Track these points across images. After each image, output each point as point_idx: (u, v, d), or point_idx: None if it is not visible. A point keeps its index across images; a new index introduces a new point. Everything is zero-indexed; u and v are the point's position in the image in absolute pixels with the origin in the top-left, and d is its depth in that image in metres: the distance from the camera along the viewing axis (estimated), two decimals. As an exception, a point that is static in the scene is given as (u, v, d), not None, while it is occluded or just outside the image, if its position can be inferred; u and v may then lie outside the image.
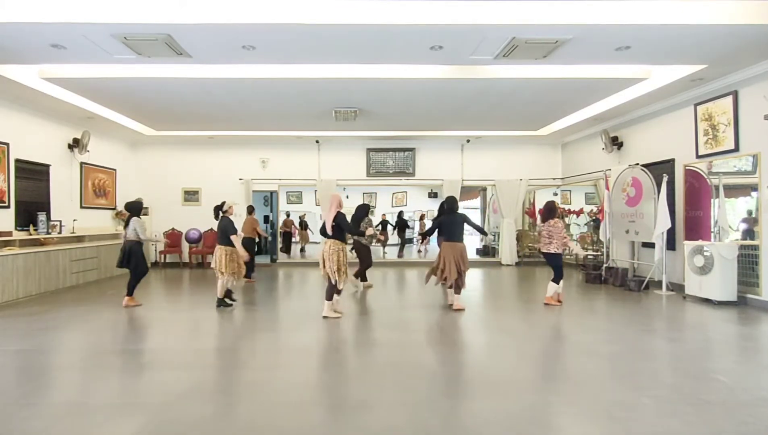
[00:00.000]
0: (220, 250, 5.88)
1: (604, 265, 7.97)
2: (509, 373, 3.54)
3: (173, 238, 10.57)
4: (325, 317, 5.20)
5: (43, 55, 5.23)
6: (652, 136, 7.73)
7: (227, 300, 5.87)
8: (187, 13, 4.35)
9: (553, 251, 5.85)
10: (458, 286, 5.65)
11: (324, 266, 5.18)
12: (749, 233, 5.99)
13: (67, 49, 5.03)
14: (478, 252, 13.12)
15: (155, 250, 10.50)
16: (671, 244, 7.01)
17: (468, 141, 10.71)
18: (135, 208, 6.15)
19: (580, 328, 4.91)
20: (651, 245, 7.13)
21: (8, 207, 6.91)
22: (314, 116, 8.35)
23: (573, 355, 3.98)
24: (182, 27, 4.50)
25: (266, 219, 14.25)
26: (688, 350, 4.06)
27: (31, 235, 7.16)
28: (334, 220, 5.16)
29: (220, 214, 6.03)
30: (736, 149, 6.01)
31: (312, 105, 7.57)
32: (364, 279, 7.31)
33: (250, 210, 8.49)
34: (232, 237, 5.80)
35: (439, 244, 6.27)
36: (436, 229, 6.10)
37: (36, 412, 2.78)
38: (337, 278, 5.11)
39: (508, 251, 10.98)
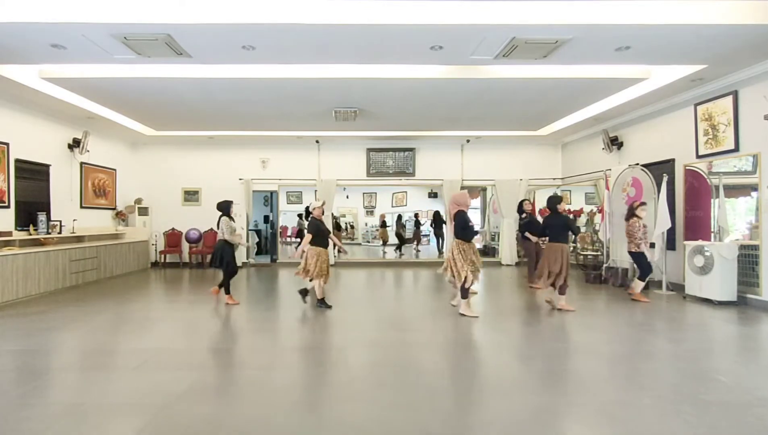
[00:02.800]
0: (312, 250, 5.75)
1: (604, 265, 7.96)
2: (509, 372, 3.54)
3: (173, 238, 10.58)
4: (462, 315, 5.33)
5: (43, 55, 5.23)
6: (652, 136, 7.73)
7: (305, 300, 5.92)
8: (187, 13, 4.35)
9: (634, 250, 6.33)
10: (563, 287, 5.64)
11: (451, 267, 5.35)
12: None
13: (67, 49, 5.03)
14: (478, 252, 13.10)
15: (155, 250, 10.51)
16: (671, 244, 7.01)
17: (468, 141, 10.71)
18: (224, 208, 6.20)
19: (580, 327, 4.91)
20: (651, 245, 7.12)
21: (8, 207, 6.91)
22: (314, 116, 8.35)
23: (573, 355, 3.98)
24: (182, 27, 4.50)
25: (266, 219, 14.22)
26: (688, 350, 4.05)
27: (31, 235, 7.16)
28: (453, 219, 5.39)
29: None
30: (736, 149, 6.01)
31: (312, 105, 7.57)
32: None
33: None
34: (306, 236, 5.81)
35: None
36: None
37: (35, 413, 2.78)
38: (463, 276, 5.22)
39: (508, 251, 10.99)
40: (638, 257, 6.36)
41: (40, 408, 2.85)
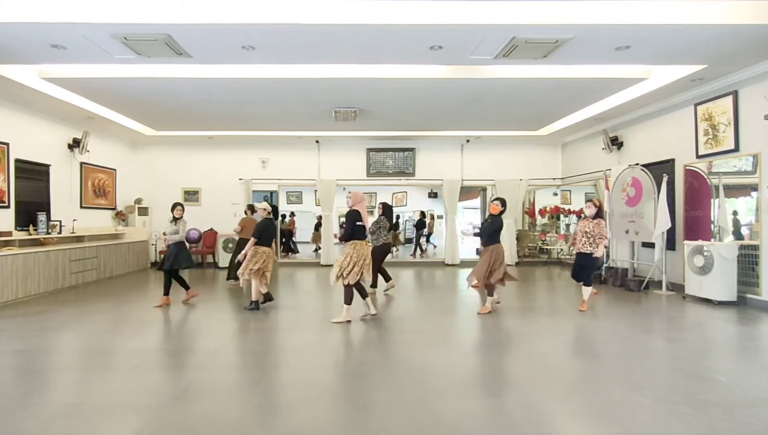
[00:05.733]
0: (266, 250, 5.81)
1: (604, 265, 7.96)
2: (505, 372, 3.54)
3: (173, 238, 10.57)
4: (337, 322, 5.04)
5: (43, 55, 5.23)
6: (652, 136, 7.73)
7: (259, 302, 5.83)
8: (187, 13, 4.35)
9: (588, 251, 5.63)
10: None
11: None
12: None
13: (67, 49, 5.03)
14: (478, 252, 13.11)
15: (155, 250, 10.51)
16: (671, 244, 7.01)
17: (468, 141, 10.71)
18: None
19: (579, 328, 4.91)
20: (651, 245, 7.13)
21: (8, 207, 6.91)
22: (314, 116, 8.35)
23: (572, 355, 3.98)
24: (182, 27, 4.51)
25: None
26: (688, 350, 4.06)
27: (31, 235, 7.16)
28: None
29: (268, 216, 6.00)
30: (736, 149, 6.01)
31: (312, 105, 7.57)
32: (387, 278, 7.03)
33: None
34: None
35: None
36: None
37: (34, 413, 2.78)
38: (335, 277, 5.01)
39: (508, 251, 10.97)
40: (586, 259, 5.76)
41: (39, 408, 2.85)
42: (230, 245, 10.38)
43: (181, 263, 6.02)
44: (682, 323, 5.13)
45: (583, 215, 5.93)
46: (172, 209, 6.13)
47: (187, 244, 6.26)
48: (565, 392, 3.09)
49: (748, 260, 5.84)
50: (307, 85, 6.49)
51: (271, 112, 8.07)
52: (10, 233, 6.74)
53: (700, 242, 6.16)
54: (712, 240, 6.23)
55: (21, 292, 6.42)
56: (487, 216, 5.90)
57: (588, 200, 5.94)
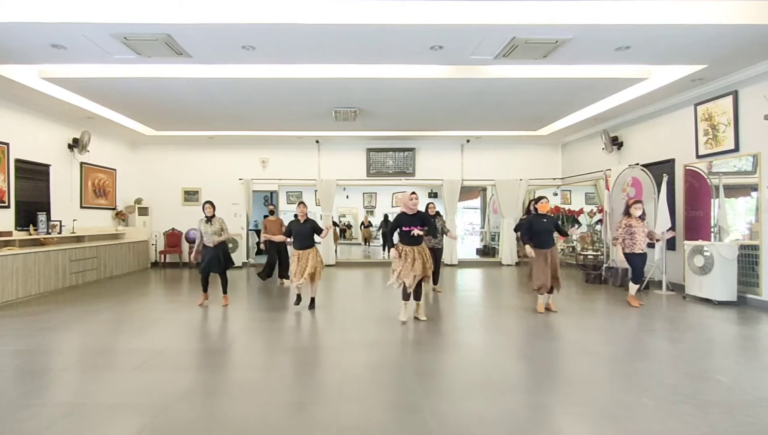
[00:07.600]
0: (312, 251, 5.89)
1: (604, 265, 7.96)
2: (508, 373, 3.54)
3: (173, 238, 10.58)
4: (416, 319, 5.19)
5: (43, 55, 5.23)
6: (652, 136, 7.73)
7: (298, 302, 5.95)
8: (187, 13, 4.35)
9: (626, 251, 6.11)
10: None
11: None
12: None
13: (67, 49, 5.03)
14: (478, 252, 13.12)
15: (155, 250, 10.51)
16: (671, 244, 7.01)
17: (468, 141, 10.71)
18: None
19: (579, 328, 4.91)
20: (651, 245, 7.12)
21: (8, 207, 6.91)
22: (314, 116, 8.35)
23: (572, 355, 3.98)
24: (182, 27, 4.50)
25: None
26: (688, 350, 4.06)
27: (31, 235, 7.16)
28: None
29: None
30: (736, 149, 6.01)
31: (312, 105, 7.57)
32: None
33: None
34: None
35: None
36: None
37: (35, 413, 2.78)
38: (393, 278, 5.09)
39: (508, 251, 10.99)
40: (627, 258, 6.14)
41: (40, 408, 2.85)
42: (230, 245, 10.38)
43: (221, 265, 6.04)
44: (683, 323, 5.13)
45: (634, 215, 6.10)
46: (203, 208, 6.07)
47: (189, 244, 6.26)
48: (567, 392, 3.09)
49: (748, 260, 5.84)
50: (307, 85, 6.49)
51: (271, 112, 8.07)
52: (10, 233, 6.74)
53: (700, 242, 6.16)
54: (712, 240, 6.24)
55: (21, 292, 6.42)
56: (532, 214, 5.82)
57: (637, 201, 6.19)
